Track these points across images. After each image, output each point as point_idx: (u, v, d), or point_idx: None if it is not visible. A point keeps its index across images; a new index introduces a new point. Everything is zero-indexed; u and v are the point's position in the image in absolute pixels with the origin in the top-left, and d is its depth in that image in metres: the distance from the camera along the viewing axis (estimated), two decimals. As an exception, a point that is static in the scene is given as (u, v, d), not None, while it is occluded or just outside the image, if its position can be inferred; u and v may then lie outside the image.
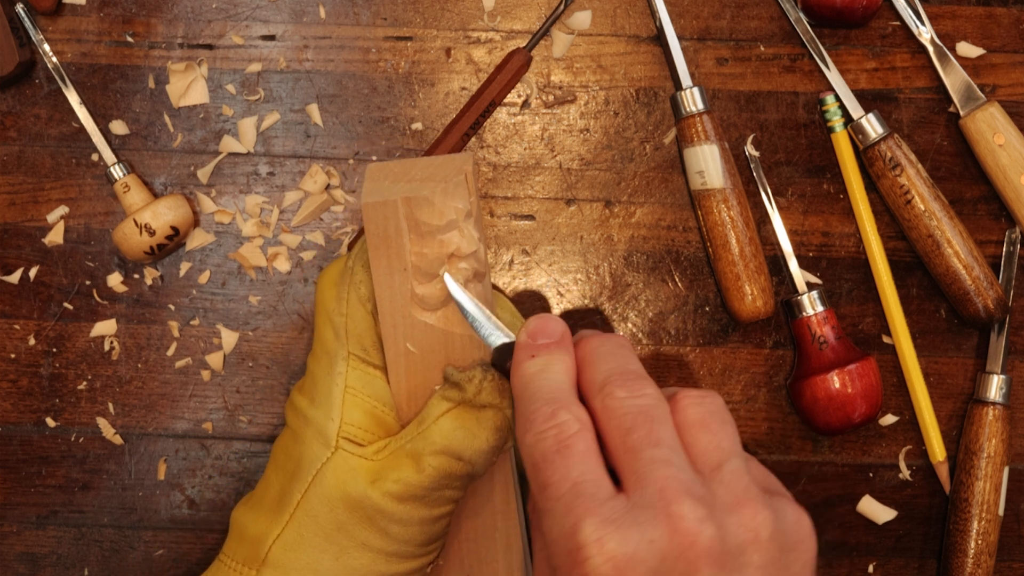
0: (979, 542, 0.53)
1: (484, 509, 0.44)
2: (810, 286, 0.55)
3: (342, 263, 0.44)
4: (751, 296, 0.53)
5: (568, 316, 0.56)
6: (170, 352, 0.55)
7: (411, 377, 0.41)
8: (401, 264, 0.39)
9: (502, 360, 0.40)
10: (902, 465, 0.56)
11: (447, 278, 0.39)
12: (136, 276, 0.56)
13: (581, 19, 0.56)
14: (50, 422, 0.55)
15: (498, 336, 0.40)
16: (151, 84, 0.56)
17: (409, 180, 0.40)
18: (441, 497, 0.41)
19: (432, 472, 0.40)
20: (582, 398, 0.36)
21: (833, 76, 0.55)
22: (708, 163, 0.53)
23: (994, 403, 0.54)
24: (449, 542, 0.44)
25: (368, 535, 0.41)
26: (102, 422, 0.55)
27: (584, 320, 0.56)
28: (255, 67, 0.56)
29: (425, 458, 0.40)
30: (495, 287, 0.56)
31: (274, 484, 0.43)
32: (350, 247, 0.55)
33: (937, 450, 0.55)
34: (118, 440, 0.55)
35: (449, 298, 0.40)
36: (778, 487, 0.36)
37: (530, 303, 0.56)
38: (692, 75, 0.56)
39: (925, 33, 0.56)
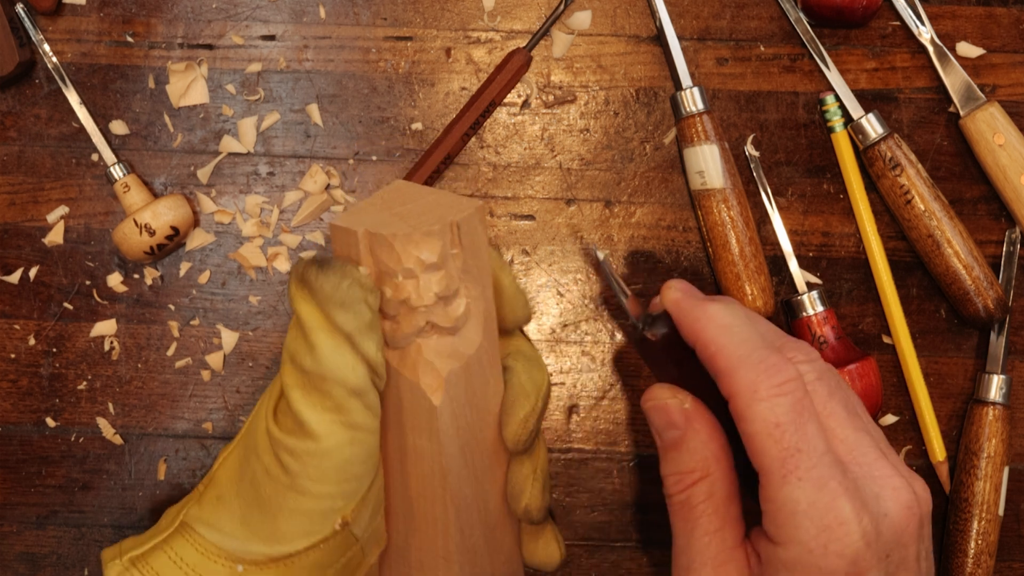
0: (979, 542, 0.53)
1: (423, 473, 0.42)
2: (810, 286, 0.55)
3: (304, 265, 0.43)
4: (751, 296, 0.53)
5: (568, 316, 0.56)
6: (170, 352, 0.55)
7: None
8: None
9: (645, 324, 0.42)
10: (902, 465, 0.56)
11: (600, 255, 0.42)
12: (136, 276, 0.56)
13: (581, 19, 0.56)
14: (50, 422, 0.55)
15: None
16: (151, 84, 0.56)
17: (396, 213, 0.38)
18: (322, 418, 0.36)
19: (285, 388, 0.37)
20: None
21: (833, 76, 0.55)
22: (708, 163, 0.53)
23: (994, 403, 0.54)
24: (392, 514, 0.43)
25: (269, 461, 0.38)
26: (102, 422, 0.55)
27: (585, 319, 0.56)
28: (255, 67, 0.56)
29: (282, 375, 0.37)
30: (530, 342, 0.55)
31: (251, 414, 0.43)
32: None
33: (937, 450, 0.55)
34: (118, 440, 0.55)
35: (408, 342, 0.38)
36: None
37: (530, 303, 0.56)
38: (692, 75, 0.56)
39: (925, 33, 0.56)
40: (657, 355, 0.44)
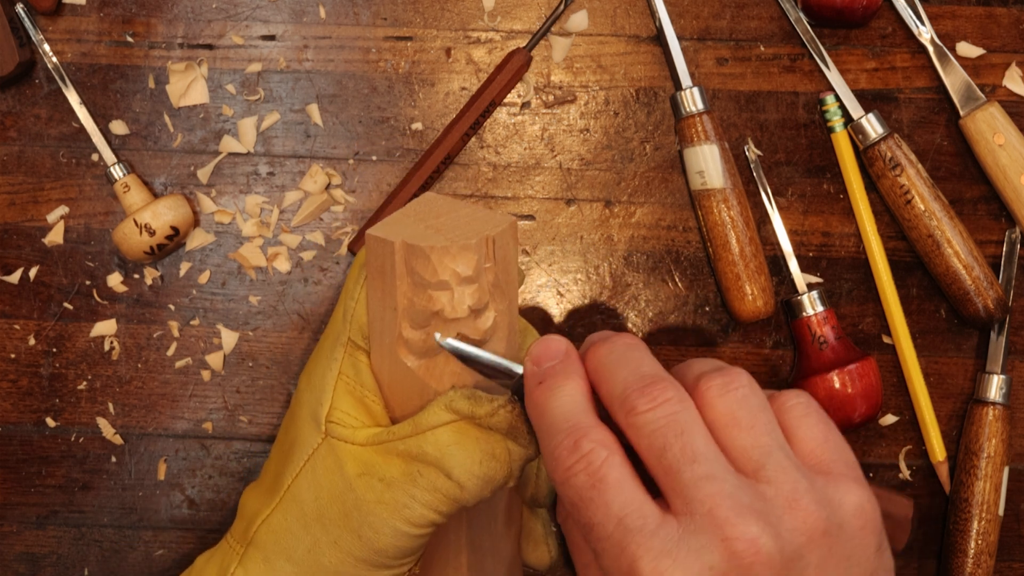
0: (979, 542, 0.53)
1: (480, 544, 0.43)
2: (810, 286, 0.55)
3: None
4: (751, 296, 0.53)
5: (568, 316, 0.56)
6: (170, 352, 0.55)
7: (388, 407, 0.40)
8: (392, 303, 0.38)
9: (520, 395, 0.38)
10: (902, 465, 0.56)
11: (437, 337, 0.38)
12: (136, 276, 0.56)
13: (578, 21, 0.56)
14: (50, 422, 0.55)
15: (513, 373, 0.37)
16: (151, 84, 0.56)
17: (431, 225, 0.38)
18: (422, 515, 0.38)
19: (422, 482, 0.38)
20: (603, 412, 0.35)
21: (833, 76, 0.55)
22: (708, 163, 0.53)
23: (994, 403, 0.54)
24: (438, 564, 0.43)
25: (340, 533, 0.39)
26: (102, 422, 0.55)
27: (584, 320, 0.56)
28: (255, 67, 0.56)
29: (415, 464, 0.38)
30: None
31: (272, 464, 0.43)
32: (350, 247, 0.55)
33: (937, 450, 0.55)
34: (118, 440, 0.55)
35: (434, 352, 0.38)
36: (838, 462, 0.34)
37: (531, 303, 0.56)
38: (692, 75, 0.56)
39: (925, 33, 0.56)
40: None
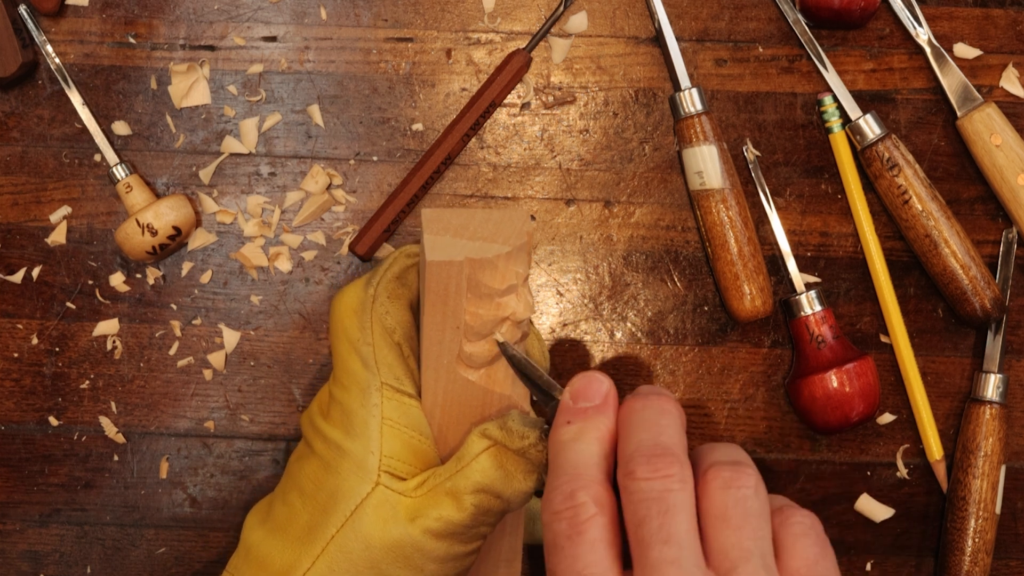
0: (976, 540, 0.54)
1: (489, 554, 0.44)
2: (808, 286, 0.56)
3: (360, 290, 0.42)
4: (750, 296, 0.53)
5: (568, 316, 0.56)
6: (172, 351, 0.56)
7: (442, 431, 0.41)
8: (455, 322, 0.38)
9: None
10: (900, 464, 0.56)
11: (501, 341, 0.39)
12: (138, 276, 0.56)
13: (577, 22, 0.56)
14: (53, 421, 0.56)
15: (551, 397, 0.38)
16: (153, 85, 0.56)
17: (471, 237, 0.39)
18: (476, 533, 0.40)
19: (472, 510, 0.39)
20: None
21: (831, 77, 0.56)
22: (707, 163, 0.54)
23: (991, 402, 0.54)
24: None
25: (402, 573, 0.40)
26: (104, 421, 0.56)
27: (585, 320, 0.56)
28: (257, 68, 0.56)
29: (465, 496, 0.39)
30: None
31: (302, 514, 0.41)
32: (351, 247, 0.55)
33: (934, 449, 0.55)
34: (120, 439, 0.56)
35: (494, 358, 0.39)
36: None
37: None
38: (691, 76, 0.56)
39: (922, 34, 0.56)
40: None
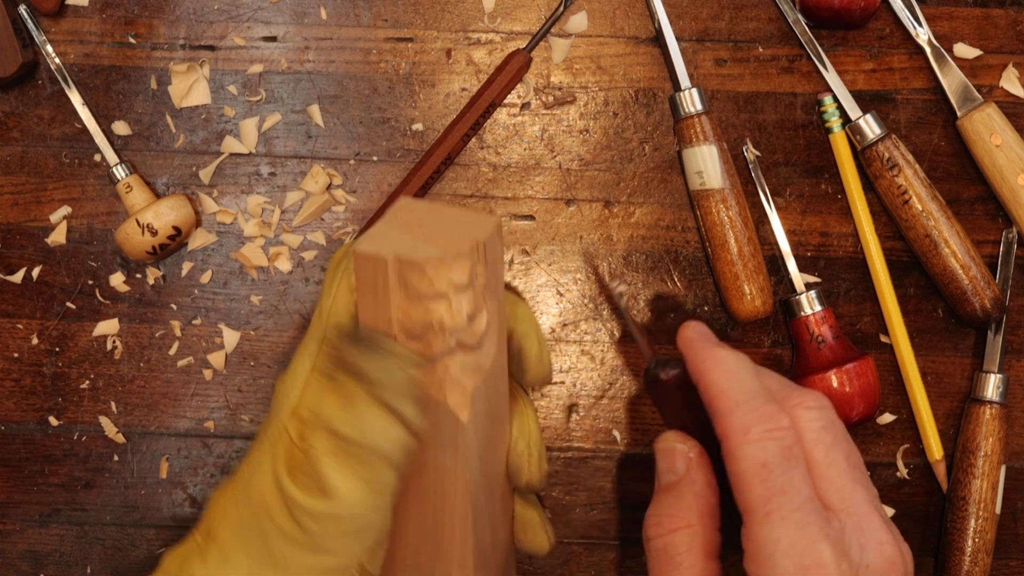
0: (976, 540, 0.54)
1: (437, 509, 0.42)
2: (808, 286, 0.56)
3: (346, 247, 0.42)
4: (750, 296, 0.53)
5: (568, 316, 0.56)
6: (172, 351, 0.56)
7: None
8: (386, 318, 0.37)
9: (659, 365, 0.43)
10: (900, 464, 0.56)
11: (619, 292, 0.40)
12: (138, 276, 0.56)
13: (577, 22, 0.56)
14: (53, 421, 0.56)
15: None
16: (153, 85, 0.56)
17: (421, 234, 0.37)
18: (334, 482, 0.36)
19: (313, 452, 0.35)
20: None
21: (831, 77, 0.56)
22: (707, 163, 0.54)
23: (991, 402, 0.54)
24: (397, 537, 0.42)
25: (284, 521, 0.37)
26: (105, 421, 0.56)
27: (585, 320, 0.56)
28: (256, 68, 0.56)
29: (305, 438, 0.36)
30: (512, 288, 0.56)
31: (246, 461, 0.41)
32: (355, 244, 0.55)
33: (934, 449, 0.55)
34: (120, 439, 0.56)
35: (431, 361, 0.37)
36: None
37: (531, 303, 0.56)
38: (691, 76, 0.56)
39: (922, 34, 0.56)
40: (667, 396, 0.45)
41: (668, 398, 0.44)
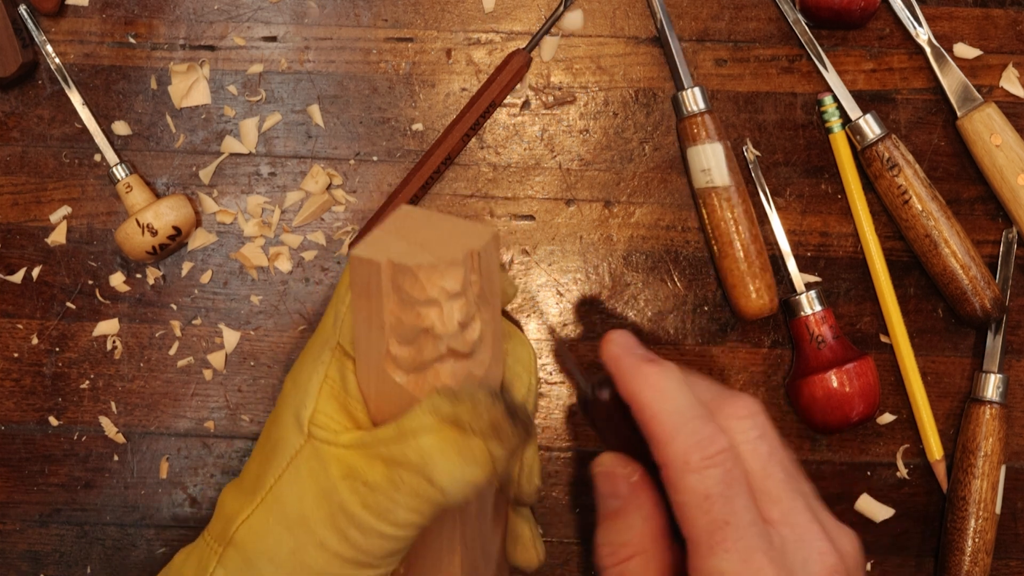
0: (976, 540, 0.54)
1: (448, 533, 0.42)
2: (808, 286, 0.56)
3: None
4: (756, 293, 0.53)
5: (568, 316, 0.56)
6: (172, 351, 0.56)
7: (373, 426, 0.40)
8: (379, 322, 0.38)
9: (593, 387, 0.41)
10: (900, 464, 0.56)
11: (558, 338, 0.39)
12: (138, 276, 0.56)
13: (572, 20, 0.56)
14: (53, 421, 0.56)
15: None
16: (153, 85, 0.56)
17: (416, 240, 0.38)
18: (406, 519, 0.38)
19: (405, 489, 0.37)
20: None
21: (831, 77, 0.56)
22: (712, 161, 0.54)
23: (991, 402, 0.54)
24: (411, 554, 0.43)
25: (327, 535, 0.38)
26: (105, 421, 0.56)
27: (584, 319, 0.56)
28: (256, 68, 0.56)
29: (399, 471, 0.37)
30: (509, 316, 0.56)
31: (253, 464, 0.42)
32: (351, 247, 0.55)
33: (934, 449, 0.55)
34: (120, 439, 0.56)
35: (424, 366, 0.38)
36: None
37: (530, 303, 0.56)
38: (691, 76, 0.56)
39: (922, 34, 0.56)
40: (605, 417, 0.43)
41: (606, 419, 0.42)
